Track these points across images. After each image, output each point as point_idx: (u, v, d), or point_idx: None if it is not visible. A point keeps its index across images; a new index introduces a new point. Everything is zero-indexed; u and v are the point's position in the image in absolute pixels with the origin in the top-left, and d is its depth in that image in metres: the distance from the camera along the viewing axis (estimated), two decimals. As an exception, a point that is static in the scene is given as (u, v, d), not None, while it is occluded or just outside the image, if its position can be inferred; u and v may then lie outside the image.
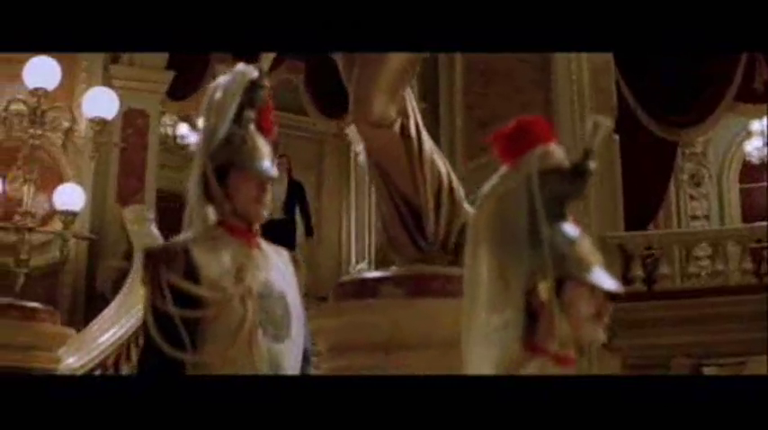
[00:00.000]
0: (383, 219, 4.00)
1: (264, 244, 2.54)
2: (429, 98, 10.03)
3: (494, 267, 2.08)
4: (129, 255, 8.45)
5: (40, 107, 7.59)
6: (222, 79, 2.73)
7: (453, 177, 3.95)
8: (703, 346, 8.42)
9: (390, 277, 3.68)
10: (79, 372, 5.94)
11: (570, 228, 2.08)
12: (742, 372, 8.42)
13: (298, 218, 9.79)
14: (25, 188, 7.62)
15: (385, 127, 3.82)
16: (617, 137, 9.49)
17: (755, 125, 12.48)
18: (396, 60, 3.76)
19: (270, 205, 2.56)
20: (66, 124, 7.91)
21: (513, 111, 6.75)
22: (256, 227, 2.54)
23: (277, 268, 2.56)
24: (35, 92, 7.51)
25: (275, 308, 2.48)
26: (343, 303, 3.62)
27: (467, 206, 3.95)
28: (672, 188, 12.15)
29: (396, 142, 3.84)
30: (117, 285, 8.13)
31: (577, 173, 2.15)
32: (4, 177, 7.96)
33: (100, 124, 7.67)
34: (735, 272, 8.88)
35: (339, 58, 4.09)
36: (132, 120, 8.72)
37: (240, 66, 2.72)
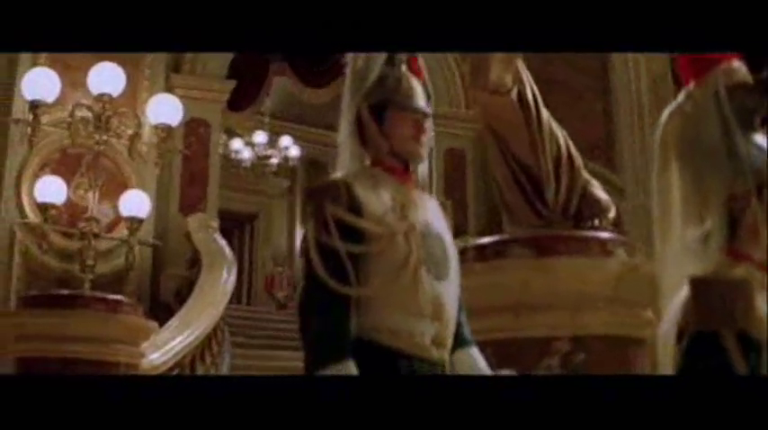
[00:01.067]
0: (498, 185, 4.05)
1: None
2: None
3: (688, 181, 2.12)
4: (192, 264, 8.54)
5: (105, 113, 7.70)
6: None
7: (571, 145, 4.01)
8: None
9: (518, 239, 3.74)
10: (161, 370, 5.96)
11: (762, 139, 2.13)
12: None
13: None
14: (90, 194, 7.76)
15: (502, 94, 3.90)
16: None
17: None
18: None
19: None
20: (129, 131, 8.03)
21: (573, 120, 6.85)
22: (413, 167, 2.58)
23: (432, 210, 2.59)
24: (100, 98, 7.60)
25: (435, 247, 2.48)
26: (471, 265, 3.64)
27: (585, 174, 4.02)
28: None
29: (513, 109, 3.91)
30: (179, 293, 8.21)
31: (764, 87, 2.21)
32: (68, 183, 8.08)
33: (165, 131, 7.77)
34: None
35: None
36: (194, 129, 8.83)
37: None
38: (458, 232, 9.52)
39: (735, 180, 2.06)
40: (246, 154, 11.96)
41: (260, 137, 12.00)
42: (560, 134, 4.03)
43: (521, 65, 4.10)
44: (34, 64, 8.19)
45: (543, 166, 3.91)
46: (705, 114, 2.14)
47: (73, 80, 8.04)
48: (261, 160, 12.13)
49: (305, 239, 2.39)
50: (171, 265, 8.49)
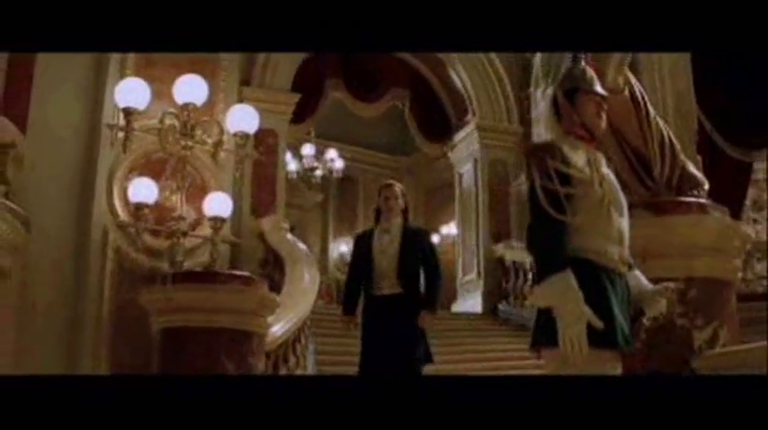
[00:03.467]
0: (615, 167, 5.33)
1: None
2: (525, 122, 11.58)
3: None
4: (264, 263, 9.71)
5: (190, 121, 8.89)
6: None
7: (671, 133, 5.33)
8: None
9: (640, 204, 5.01)
10: (277, 342, 7.15)
11: None
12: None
13: None
14: (178, 196, 8.94)
15: (617, 93, 5.19)
16: (699, 157, 10.97)
17: (820, 149, 13.93)
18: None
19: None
20: (209, 139, 9.17)
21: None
22: (597, 135, 3.85)
23: (607, 166, 3.86)
24: (185, 107, 8.77)
25: (617, 192, 3.74)
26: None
27: (682, 156, 5.34)
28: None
29: (626, 105, 5.21)
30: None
31: None
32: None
33: (243, 138, 8.97)
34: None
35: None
36: (263, 138, 10.01)
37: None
38: (501, 237, 10.79)
39: None
40: (293, 166, 13.19)
41: (307, 149, 13.27)
42: (662, 124, 5.36)
43: (627, 71, 5.43)
44: (122, 75, 9.34)
45: (651, 150, 5.22)
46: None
47: (157, 90, 9.20)
48: (307, 171, 13.42)
49: (532, 184, 3.63)
50: (245, 264, 9.62)
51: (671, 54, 11.31)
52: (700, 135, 11.58)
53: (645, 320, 3.89)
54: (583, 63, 3.91)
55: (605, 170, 3.68)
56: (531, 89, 3.85)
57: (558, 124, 3.75)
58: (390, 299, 6.14)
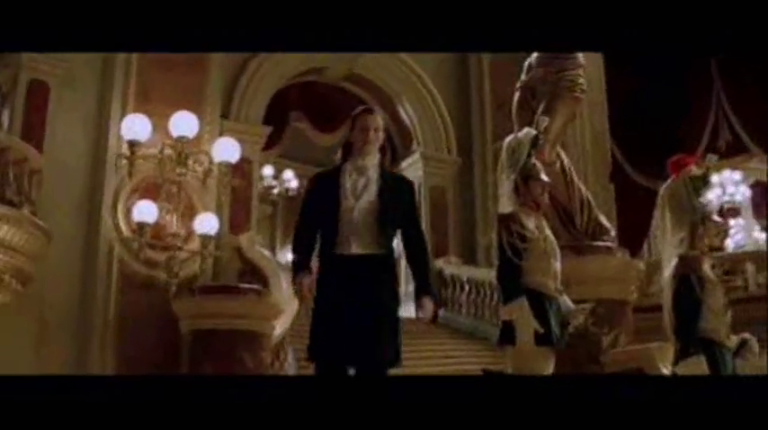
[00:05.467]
0: (546, 217, 8.02)
1: None
2: (463, 153, 14.34)
3: (673, 219, 6.20)
4: (241, 274, 12.13)
5: (184, 152, 11.31)
6: (520, 134, 6.70)
7: (588, 194, 8.08)
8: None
9: (564, 246, 7.70)
10: (277, 340, 9.69)
11: (704, 199, 6.22)
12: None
13: None
14: (174, 216, 11.40)
15: (552, 165, 7.88)
16: (612, 185, 13.90)
17: (715, 178, 17.04)
18: (559, 122, 7.85)
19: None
20: (199, 167, 11.51)
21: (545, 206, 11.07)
22: (543, 207, 6.52)
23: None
24: (180, 140, 11.18)
25: (554, 246, 6.40)
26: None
27: (595, 209, 8.09)
28: (647, 230, 16.58)
29: (557, 173, 7.92)
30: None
31: (704, 180, 6.32)
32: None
33: (226, 167, 11.44)
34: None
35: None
36: (240, 165, 12.34)
37: (529, 128, 6.68)
38: (440, 253, 13.52)
39: (692, 216, 6.12)
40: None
41: (267, 170, 15.75)
42: (582, 187, 8.09)
43: (559, 148, 8.15)
44: (123, 108, 11.65)
45: (573, 206, 7.94)
46: (681, 190, 6.21)
47: (154, 124, 11.49)
48: (266, 190, 15.90)
49: (500, 241, 6.25)
50: (224, 275, 12.04)
51: (589, 96, 14.14)
52: (613, 166, 14.55)
53: (569, 329, 6.46)
54: (533, 159, 6.57)
55: (547, 231, 6.32)
56: (498, 174, 5.84)
57: (517, 200, 6.39)
58: (361, 262, 4.95)
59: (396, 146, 14.87)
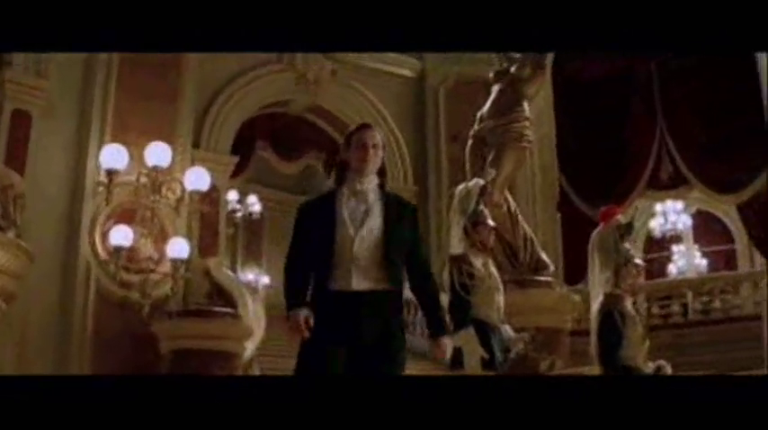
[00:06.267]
0: (494, 255, 9.28)
1: None
2: (419, 182, 15.62)
3: (601, 261, 7.51)
4: (209, 296, 13.24)
5: (158, 180, 12.46)
6: (470, 184, 7.97)
7: (531, 232, 9.35)
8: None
9: (508, 280, 8.95)
10: (250, 357, 10.86)
11: (629, 245, 7.53)
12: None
13: None
14: (148, 240, 12.54)
15: (500, 206, 9.15)
16: (559, 214, 15.27)
17: (658, 207, 18.48)
18: (507, 168, 9.12)
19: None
20: (172, 195, 12.61)
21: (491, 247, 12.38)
22: (489, 247, 7.79)
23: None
24: (154, 169, 12.34)
25: (498, 282, 7.66)
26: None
27: (537, 246, 9.36)
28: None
29: (504, 214, 9.18)
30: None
31: (629, 229, 7.63)
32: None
33: (198, 194, 12.62)
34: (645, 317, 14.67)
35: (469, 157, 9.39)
36: (209, 192, 13.44)
37: (477, 179, 7.96)
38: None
39: (617, 259, 7.42)
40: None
41: (232, 194, 16.86)
42: (526, 226, 9.37)
43: (507, 191, 9.42)
44: (101, 138, 12.72)
45: (519, 244, 9.21)
46: (609, 237, 7.51)
47: (130, 153, 12.58)
48: (229, 213, 16.99)
49: (452, 279, 7.50)
50: (193, 296, 13.15)
51: (539, 129, 15.48)
52: (560, 196, 15.91)
53: (511, 354, 7.66)
54: (481, 206, 7.83)
55: (492, 269, 7.58)
56: (450, 218, 6.84)
57: (467, 242, 7.64)
58: (365, 299, 4.42)
59: (356, 174, 16.05)
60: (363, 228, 4.48)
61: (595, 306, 7.36)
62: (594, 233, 7.61)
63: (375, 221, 4.50)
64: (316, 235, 4.52)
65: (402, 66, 16.30)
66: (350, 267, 4.43)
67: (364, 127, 4.77)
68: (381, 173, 4.69)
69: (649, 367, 7.38)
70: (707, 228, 20.16)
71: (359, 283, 4.41)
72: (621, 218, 7.58)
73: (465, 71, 15.43)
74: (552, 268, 9.55)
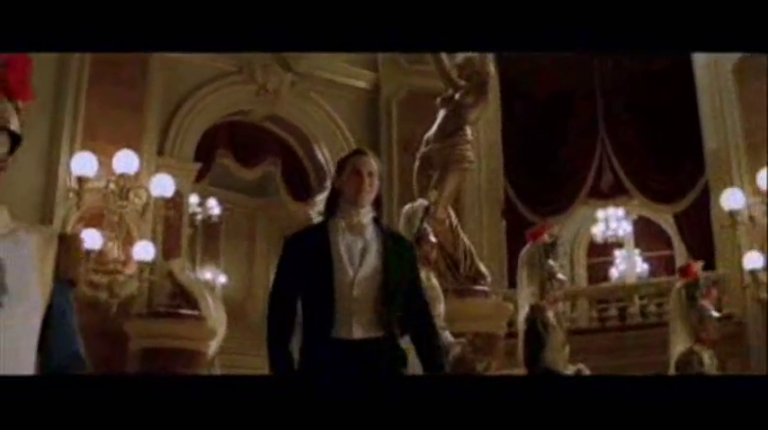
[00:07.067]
0: (437, 267, 10.55)
1: None
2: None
3: (528, 275, 8.84)
4: (172, 296, 14.40)
5: (126, 187, 13.66)
6: (415, 204, 9.26)
7: (471, 245, 10.64)
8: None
9: (449, 289, 10.23)
10: (210, 357, 12.11)
11: (554, 262, 8.86)
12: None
13: None
14: (115, 243, 13.72)
15: (443, 222, 10.43)
16: (504, 221, 16.63)
17: (600, 213, 19.94)
18: (450, 187, 10.41)
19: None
20: (138, 200, 13.75)
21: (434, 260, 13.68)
22: (432, 261, 9.07)
23: None
24: (122, 176, 13.54)
25: (440, 293, 8.98)
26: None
27: (476, 259, 10.67)
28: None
29: (447, 229, 10.47)
30: (162, 316, 14.11)
31: (553, 247, 8.98)
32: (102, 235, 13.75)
33: (162, 199, 13.85)
34: (585, 318, 16.09)
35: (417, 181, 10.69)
36: (173, 198, 14.66)
37: (422, 200, 9.24)
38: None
39: (542, 274, 8.76)
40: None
41: (192, 198, 18.03)
42: (466, 239, 10.66)
43: (449, 207, 10.71)
44: (71, 145, 13.82)
45: (460, 256, 10.51)
46: (536, 254, 8.85)
47: (100, 161, 13.71)
48: (190, 216, 18.16)
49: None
50: (158, 297, 14.32)
51: (486, 137, 16.83)
52: (506, 203, 17.27)
53: (450, 358, 8.91)
54: (425, 224, 9.10)
55: (434, 281, 8.81)
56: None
57: (413, 256, 8.88)
58: (366, 348, 4.07)
59: (311, 181, 17.34)
60: (362, 269, 4.11)
61: (522, 315, 8.60)
62: (524, 250, 8.89)
63: (374, 260, 4.14)
64: (308, 275, 4.14)
65: (357, 77, 17.48)
66: (350, 313, 4.05)
67: (358, 152, 4.44)
68: (375, 203, 4.34)
69: (569, 369, 8.63)
70: (648, 234, 21.39)
71: (359, 331, 4.03)
72: (547, 237, 8.84)
73: (417, 83, 16.50)
74: (489, 278, 10.85)
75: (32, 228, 3.12)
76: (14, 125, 3.19)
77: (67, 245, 3.11)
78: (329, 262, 4.11)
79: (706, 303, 8.43)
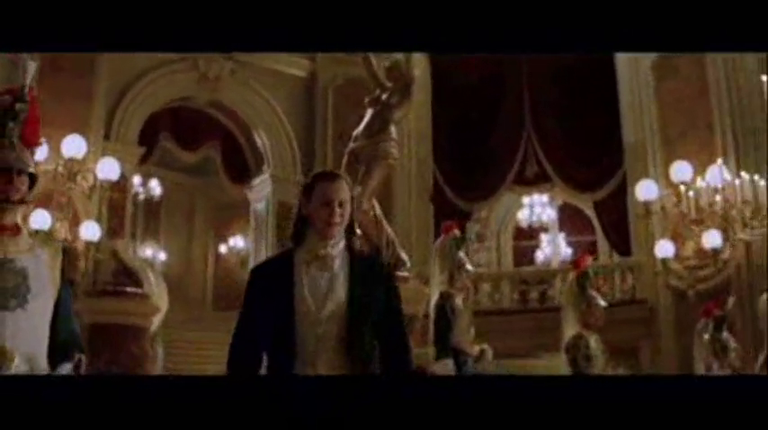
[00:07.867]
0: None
1: None
2: (307, 175, 18.26)
3: (439, 265, 10.27)
4: (116, 274, 15.61)
5: (74, 170, 14.87)
6: None
7: (392, 231, 12.02)
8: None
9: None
10: (153, 332, 13.41)
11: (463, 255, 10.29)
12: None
13: None
14: (64, 223, 14.94)
15: (368, 212, 11.78)
16: (432, 205, 18.07)
17: (525, 199, 21.42)
18: (375, 180, 11.76)
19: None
20: (85, 183, 14.93)
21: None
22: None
23: None
24: (70, 159, 14.74)
25: None
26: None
27: (398, 246, 12.06)
28: (464, 244, 20.87)
29: (371, 219, 11.83)
30: (104, 291, 15.39)
31: (463, 241, 10.41)
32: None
33: (109, 182, 15.09)
34: (508, 299, 17.60)
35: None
36: (118, 180, 15.87)
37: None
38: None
39: (451, 264, 10.16)
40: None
41: (135, 179, 19.28)
42: (389, 229, 12.04)
43: (375, 200, 12.08)
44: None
45: (382, 244, 11.88)
46: (446, 245, 10.26)
47: (50, 146, 14.86)
48: (134, 196, 19.42)
49: None
50: (103, 275, 15.54)
51: (417, 125, 18.17)
52: (434, 188, 18.68)
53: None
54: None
55: None
56: None
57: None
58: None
59: (249, 166, 18.66)
60: (327, 305, 3.83)
61: (433, 301, 9.87)
62: (437, 242, 10.21)
63: (339, 297, 3.84)
64: (270, 310, 3.87)
65: (296, 66, 18.79)
66: (314, 351, 3.80)
67: (328, 177, 4.04)
68: (350, 229, 4.01)
69: (475, 349, 9.95)
70: (572, 220, 22.76)
71: (320, 368, 3.79)
72: (457, 232, 10.17)
73: (353, 72, 17.24)
74: (409, 264, 12.15)
75: (44, 244, 4.31)
76: (32, 168, 4.49)
77: (70, 255, 4.36)
78: (291, 298, 3.82)
79: (594, 292, 9.73)
